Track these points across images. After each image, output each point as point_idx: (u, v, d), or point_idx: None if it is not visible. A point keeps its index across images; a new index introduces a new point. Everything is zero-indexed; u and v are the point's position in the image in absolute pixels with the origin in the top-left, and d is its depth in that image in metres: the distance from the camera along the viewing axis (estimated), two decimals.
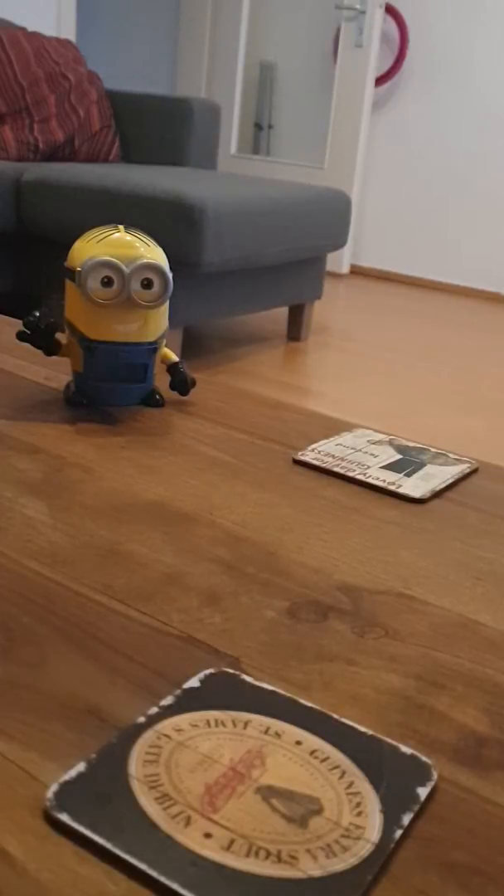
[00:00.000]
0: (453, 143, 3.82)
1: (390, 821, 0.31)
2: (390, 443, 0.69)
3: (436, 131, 3.85)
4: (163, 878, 0.28)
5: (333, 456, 0.64)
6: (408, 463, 0.65)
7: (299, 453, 0.64)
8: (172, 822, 0.30)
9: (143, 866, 0.28)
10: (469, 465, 0.66)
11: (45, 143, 2.54)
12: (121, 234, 0.65)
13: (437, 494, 0.60)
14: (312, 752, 0.34)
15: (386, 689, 0.39)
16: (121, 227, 0.66)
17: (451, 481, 0.62)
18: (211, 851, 0.29)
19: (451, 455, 0.68)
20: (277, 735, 0.35)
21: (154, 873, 0.28)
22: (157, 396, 0.71)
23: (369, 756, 0.34)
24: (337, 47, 3.84)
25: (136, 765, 0.32)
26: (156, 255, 0.66)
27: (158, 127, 2.75)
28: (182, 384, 0.72)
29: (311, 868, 0.29)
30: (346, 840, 0.30)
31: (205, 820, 0.30)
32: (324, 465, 0.62)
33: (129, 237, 0.65)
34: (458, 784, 0.34)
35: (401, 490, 0.60)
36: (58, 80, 2.58)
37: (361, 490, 0.60)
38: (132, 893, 0.27)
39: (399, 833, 0.30)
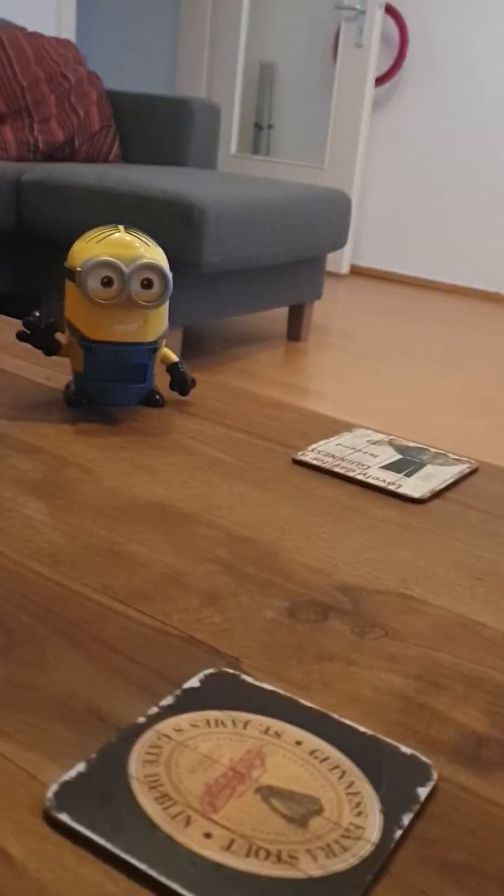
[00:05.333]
0: (453, 143, 3.82)
1: (390, 821, 0.31)
2: (390, 443, 0.69)
3: (436, 131, 3.85)
4: (163, 878, 0.28)
5: (333, 456, 0.64)
6: (408, 463, 0.65)
7: (299, 453, 0.64)
8: (172, 822, 0.30)
9: (143, 866, 0.28)
10: (469, 465, 0.66)
11: (45, 143, 2.54)
12: (121, 234, 0.65)
13: (436, 494, 0.60)
14: (312, 752, 0.34)
15: (386, 689, 0.39)
16: (121, 227, 0.66)
17: (450, 481, 0.62)
18: (211, 851, 0.29)
19: (451, 455, 0.68)
20: (277, 735, 0.35)
21: (154, 873, 0.28)
22: (157, 396, 0.71)
23: (369, 756, 0.34)
24: (337, 47, 3.84)
25: (136, 765, 0.32)
26: (156, 255, 0.66)
27: (158, 127, 2.75)
28: (182, 384, 0.72)
29: (311, 868, 0.29)
30: (346, 840, 0.30)
31: (205, 820, 0.30)
32: (324, 465, 0.62)
33: (129, 237, 0.65)
34: (458, 784, 0.34)
35: (401, 490, 0.60)
36: (58, 80, 2.58)
37: (361, 490, 0.60)
38: (132, 893, 0.27)
39: (399, 833, 0.30)
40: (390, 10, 3.80)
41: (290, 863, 0.29)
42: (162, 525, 0.52)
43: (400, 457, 0.66)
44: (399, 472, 0.63)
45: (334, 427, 0.72)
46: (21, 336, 0.69)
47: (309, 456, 0.64)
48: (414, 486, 0.61)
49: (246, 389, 0.79)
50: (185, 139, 2.73)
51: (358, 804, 0.32)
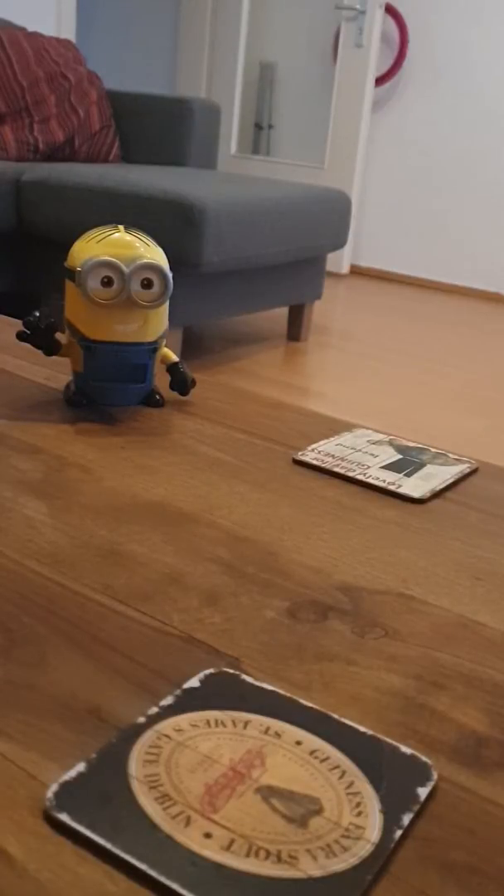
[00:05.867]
0: (453, 143, 3.82)
1: (390, 821, 0.31)
2: (390, 443, 0.69)
3: (436, 131, 3.85)
4: (163, 878, 0.28)
5: (333, 456, 0.64)
6: (408, 463, 0.65)
7: (299, 453, 0.64)
8: (172, 822, 0.30)
9: (143, 866, 0.28)
10: (469, 465, 0.66)
11: (45, 143, 2.54)
12: (121, 234, 0.65)
13: (437, 494, 0.60)
14: (312, 752, 0.34)
15: (386, 689, 0.39)
16: (121, 227, 0.66)
17: (451, 481, 0.62)
18: (211, 851, 0.29)
19: (451, 455, 0.68)
20: (277, 735, 0.35)
21: (154, 873, 0.28)
22: (157, 396, 0.71)
23: (369, 756, 0.34)
24: (337, 47, 3.84)
25: (136, 765, 0.32)
26: (156, 255, 0.66)
27: (158, 127, 2.75)
28: (182, 384, 0.72)
29: (311, 868, 0.29)
30: (346, 840, 0.30)
31: (205, 820, 0.30)
32: (324, 465, 0.62)
33: (129, 237, 0.65)
34: (458, 784, 0.34)
35: (401, 490, 0.60)
36: (58, 80, 2.58)
37: (361, 490, 0.60)
38: (132, 893, 0.27)
39: (399, 833, 0.30)
40: (390, 10, 3.80)
41: (290, 863, 0.29)
42: (162, 525, 0.52)
43: (400, 457, 0.66)
44: (399, 472, 0.63)
45: (334, 427, 0.72)
46: (21, 336, 0.69)
47: (309, 456, 0.64)
48: (414, 486, 0.61)
49: (246, 389, 0.79)
50: (185, 139, 2.73)
51: (358, 804, 0.32)
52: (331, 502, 0.57)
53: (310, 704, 0.37)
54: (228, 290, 2.31)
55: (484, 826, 0.32)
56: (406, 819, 0.31)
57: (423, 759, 0.34)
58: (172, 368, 0.72)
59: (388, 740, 0.35)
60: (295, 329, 2.76)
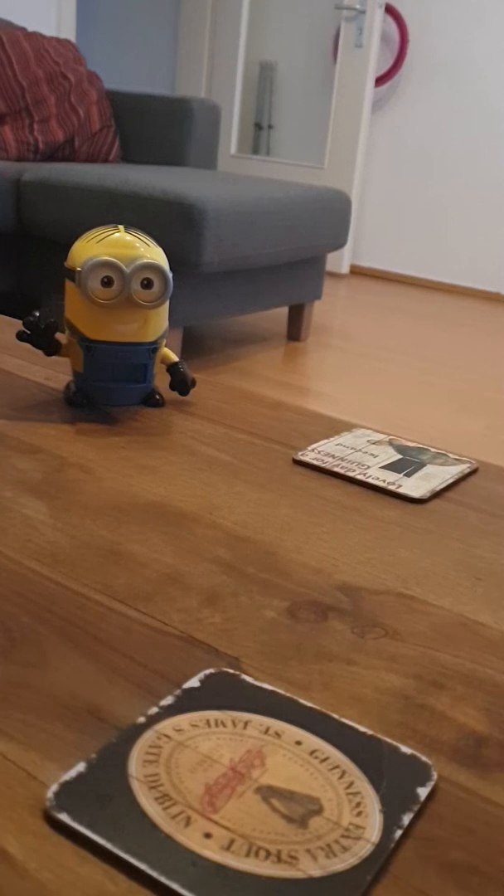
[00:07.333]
0: (453, 143, 3.82)
1: (390, 821, 0.31)
2: (390, 443, 0.69)
3: (436, 131, 3.85)
4: (163, 878, 0.28)
5: (333, 456, 0.64)
6: (408, 463, 0.65)
7: (299, 453, 0.64)
8: (172, 822, 0.30)
9: (143, 866, 0.28)
10: (469, 465, 0.66)
11: (45, 143, 2.54)
12: (121, 234, 0.65)
13: (437, 494, 0.60)
14: (312, 752, 0.34)
15: (386, 689, 0.39)
16: (121, 227, 0.66)
17: (451, 481, 0.62)
18: (211, 851, 0.29)
19: (451, 455, 0.68)
20: (277, 735, 0.35)
21: (154, 873, 0.28)
22: (157, 396, 0.71)
23: (369, 756, 0.34)
24: (337, 47, 3.84)
25: (136, 765, 0.32)
26: (156, 255, 0.66)
27: (158, 127, 2.75)
28: (182, 384, 0.72)
29: (311, 868, 0.29)
30: (346, 840, 0.30)
31: (205, 820, 0.30)
32: (324, 465, 0.62)
33: (129, 237, 0.65)
34: (458, 784, 0.34)
35: (401, 490, 0.60)
36: (58, 80, 2.58)
37: (361, 490, 0.60)
38: (132, 893, 0.27)
39: (399, 833, 0.30)
40: (390, 10, 3.80)
41: (290, 863, 0.29)
42: (162, 525, 0.52)
43: (400, 457, 0.66)
44: (399, 472, 0.63)
45: (334, 427, 0.72)
46: (21, 336, 0.69)
47: (309, 456, 0.64)
48: (414, 486, 0.61)
49: (246, 389, 0.79)
50: (185, 139, 2.73)
51: (358, 804, 0.32)
52: (331, 502, 0.57)
53: (310, 704, 0.37)
54: (228, 290, 2.31)
55: (484, 826, 0.32)
56: (406, 819, 0.31)
57: (423, 759, 0.34)
58: (172, 368, 0.72)
59: (388, 740, 0.35)
60: (295, 329, 2.76)
